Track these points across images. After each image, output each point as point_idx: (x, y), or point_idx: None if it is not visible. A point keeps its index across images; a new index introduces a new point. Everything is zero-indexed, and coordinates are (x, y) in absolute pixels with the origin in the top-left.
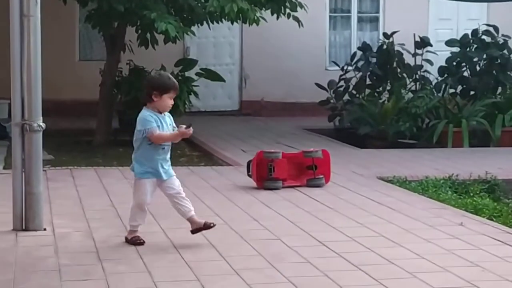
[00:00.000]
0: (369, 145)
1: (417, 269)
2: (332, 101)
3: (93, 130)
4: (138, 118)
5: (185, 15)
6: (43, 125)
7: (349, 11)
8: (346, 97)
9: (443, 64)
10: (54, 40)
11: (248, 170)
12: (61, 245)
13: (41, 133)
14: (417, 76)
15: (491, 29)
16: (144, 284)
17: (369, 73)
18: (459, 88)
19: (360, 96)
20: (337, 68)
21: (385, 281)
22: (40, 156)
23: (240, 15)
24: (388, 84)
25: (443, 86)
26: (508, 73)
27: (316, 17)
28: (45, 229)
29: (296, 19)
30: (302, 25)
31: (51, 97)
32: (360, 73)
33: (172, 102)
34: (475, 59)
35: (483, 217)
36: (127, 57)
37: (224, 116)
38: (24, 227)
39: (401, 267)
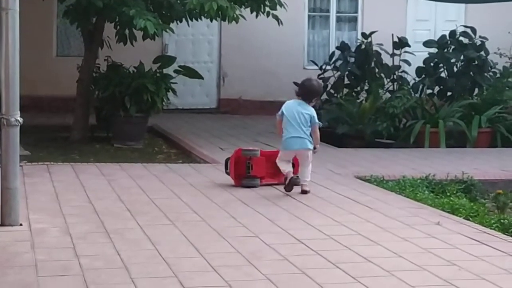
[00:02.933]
0: (347, 144)
1: (394, 268)
2: None
3: (70, 126)
4: (314, 113)
5: (164, 12)
6: (20, 119)
7: (328, 11)
8: (324, 96)
9: (421, 64)
10: (31, 35)
11: (226, 168)
12: (37, 241)
13: (18, 128)
14: (395, 77)
15: (468, 30)
16: (121, 280)
17: (347, 72)
18: (436, 88)
19: (338, 96)
20: (315, 67)
21: (363, 279)
22: (17, 151)
23: (220, 12)
24: (366, 84)
25: (421, 87)
26: (485, 74)
27: (295, 16)
28: (21, 225)
29: (276, 17)
30: (282, 23)
31: (28, 93)
32: (338, 73)
33: None
34: (453, 60)
35: (460, 216)
36: (105, 53)
37: (201, 114)
38: (0, 222)
39: (378, 265)
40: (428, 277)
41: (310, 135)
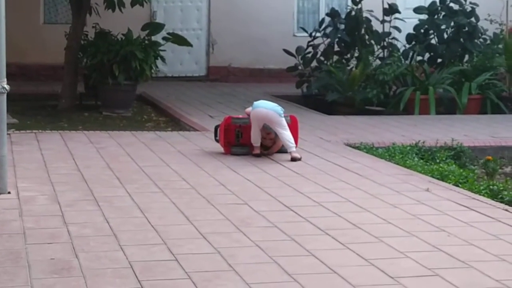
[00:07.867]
0: (337, 111)
1: (384, 234)
2: (300, 67)
3: (58, 94)
4: None
5: None
6: (7, 87)
7: None
8: (314, 63)
9: (411, 31)
10: (18, 2)
11: (216, 135)
12: (25, 209)
13: (5, 95)
14: (385, 43)
15: None
16: (110, 247)
17: (337, 39)
18: (427, 55)
19: (328, 63)
20: (305, 34)
21: (352, 245)
22: (4, 118)
23: None
24: (356, 51)
25: (411, 54)
26: (475, 41)
27: None
28: (9, 193)
29: None
30: None
31: (15, 61)
32: (328, 40)
33: None
34: (443, 27)
35: (449, 183)
36: (93, 20)
37: (191, 82)
38: None
39: (367, 232)
40: (417, 243)
41: None
